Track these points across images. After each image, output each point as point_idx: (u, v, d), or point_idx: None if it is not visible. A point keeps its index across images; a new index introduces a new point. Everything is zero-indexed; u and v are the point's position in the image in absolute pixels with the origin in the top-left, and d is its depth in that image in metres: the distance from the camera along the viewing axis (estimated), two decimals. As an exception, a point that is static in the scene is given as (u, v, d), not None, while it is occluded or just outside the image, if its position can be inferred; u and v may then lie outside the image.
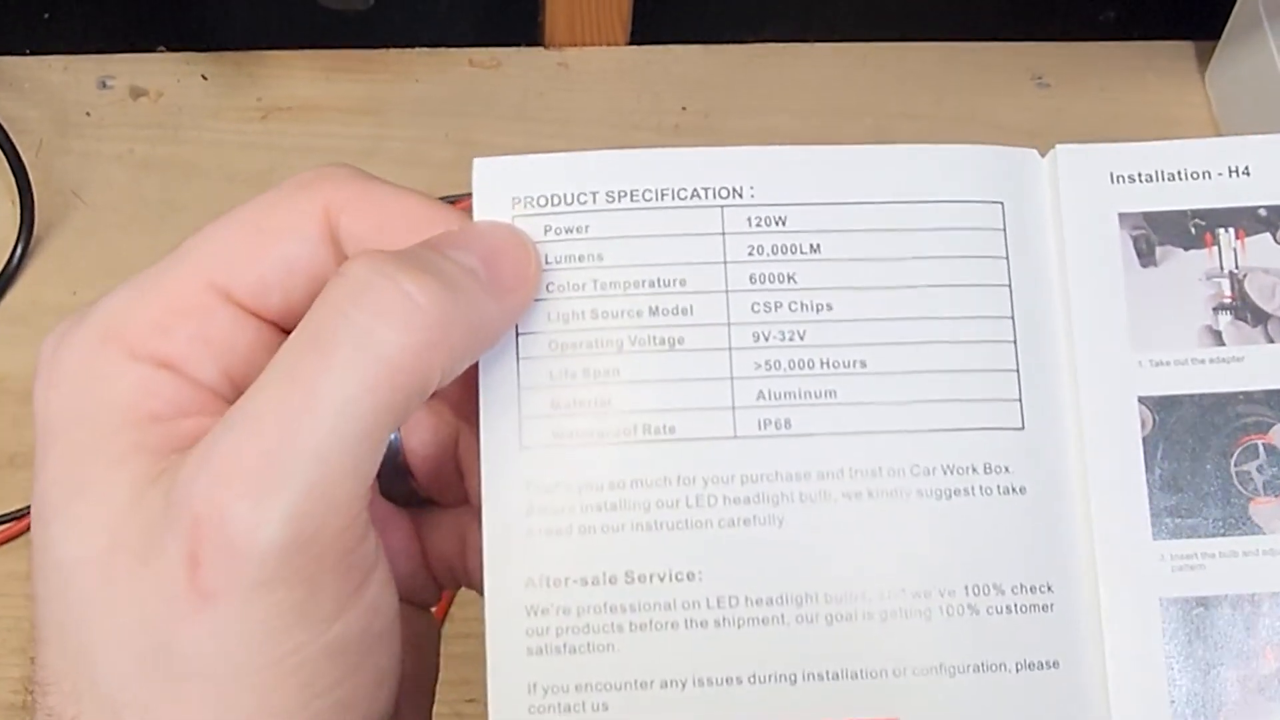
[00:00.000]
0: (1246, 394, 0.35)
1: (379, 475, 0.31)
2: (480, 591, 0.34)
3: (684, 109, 0.75)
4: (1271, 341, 0.35)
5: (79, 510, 0.30)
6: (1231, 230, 0.35)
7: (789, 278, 0.34)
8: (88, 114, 0.74)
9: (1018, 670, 0.34)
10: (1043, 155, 0.36)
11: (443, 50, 0.77)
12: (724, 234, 0.35)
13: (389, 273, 0.30)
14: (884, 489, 0.34)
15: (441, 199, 0.35)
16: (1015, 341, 0.35)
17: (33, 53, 0.75)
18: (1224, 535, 0.34)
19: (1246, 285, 0.35)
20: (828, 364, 0.34)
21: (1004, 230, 0.35)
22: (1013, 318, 0.35)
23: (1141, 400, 0.35)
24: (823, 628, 0.33)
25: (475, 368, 0.34)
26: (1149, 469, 0.34)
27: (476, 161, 0.35)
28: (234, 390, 0.32)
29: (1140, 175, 0.36)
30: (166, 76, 0.75)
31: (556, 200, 0.34)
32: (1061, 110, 0.76)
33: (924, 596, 0.34)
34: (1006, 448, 0.34)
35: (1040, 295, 0.35)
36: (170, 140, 0.73)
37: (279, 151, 0.73)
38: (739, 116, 0.75)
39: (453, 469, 0.37)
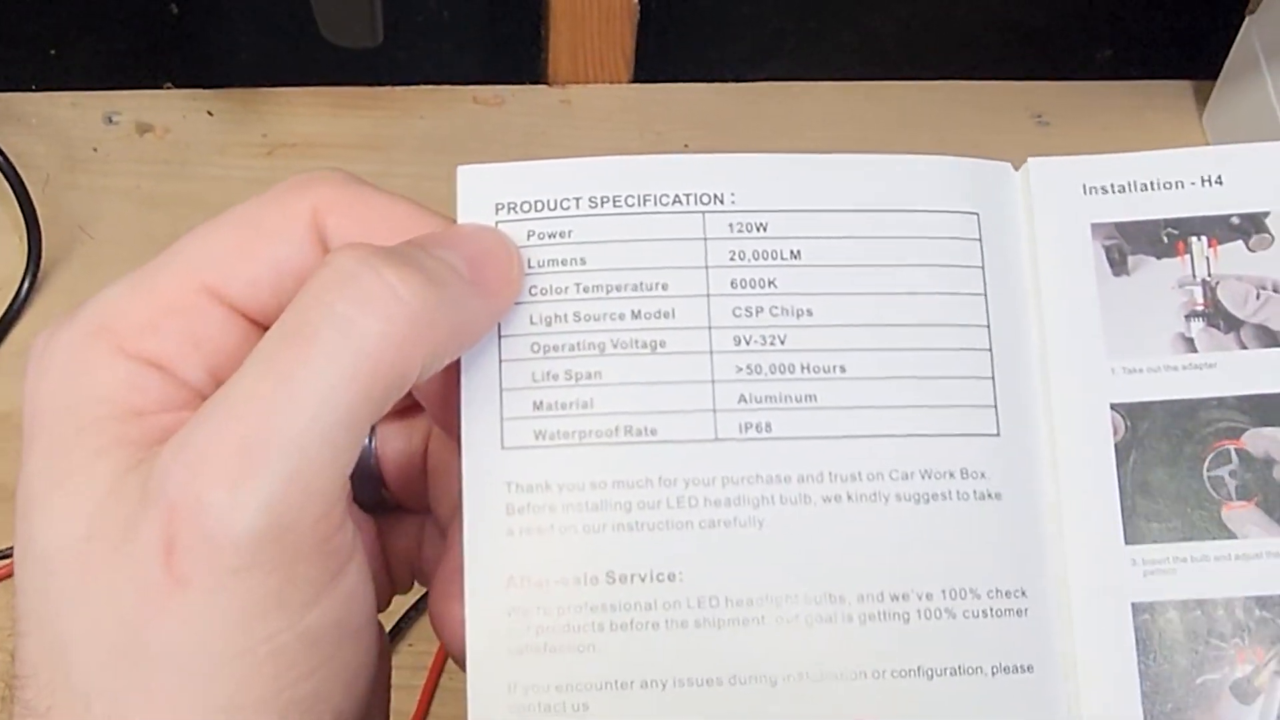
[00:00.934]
0: (1219, 400, 0.35)
1: (350, 480, 0.31)
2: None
3: (686, 146, 0.76)
4: (1244, 348, 0.35)
5: (59, 500, 0.30)
6: (1204, 238, 0.36)
7: (770, 283, 0.35)
8: (94, 150, 0.75)
9: (993, 673, 0.34)
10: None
11: (447, 87, 0.78)
12: (705, 239, 0.35)
13: (373, 264, 0.30)
14: (863, 492, 0.34)
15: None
16: (991, 349, 0.35)
17: (40, 88, 0.76)
18: (1196, 540, 0.34)
19: (1219, 292, 0.35)
20: (808, 368, 0.34)
21: (980, 240, 0.36)
22: (988, 326, 0.35)
23: (1114, 407, 0.35)
24: (803, 629, 0.34)
25: (456, 370, 0.34)
26: (1122, 475, 0.35)
27: (460, 169, 0.35)
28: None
29: (1113, 186, 0.36)
30: (173, 112, 0.76)
31: (540, 206, 0.35)
32: (1061, 149, 0.75)
33: (902, 599, 0.34)
34: (983, 454, 0.35)
35: (1015, 304, 0.36)
36: (176, 176, 0.74)
37: (284, 187, 0.73)
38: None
39: (421, 476, 0.38)
